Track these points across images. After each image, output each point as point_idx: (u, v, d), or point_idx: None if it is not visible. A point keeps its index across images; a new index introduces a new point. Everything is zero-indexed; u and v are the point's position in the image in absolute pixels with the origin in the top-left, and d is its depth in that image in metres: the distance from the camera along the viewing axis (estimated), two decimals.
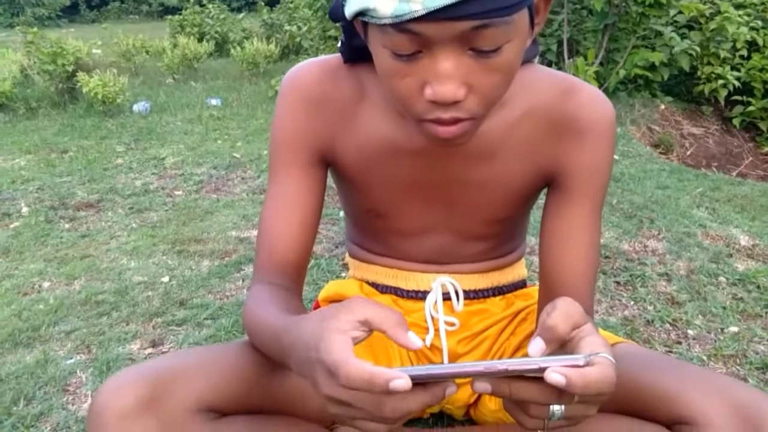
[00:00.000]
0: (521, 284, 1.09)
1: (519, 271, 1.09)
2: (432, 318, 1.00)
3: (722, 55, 3.90)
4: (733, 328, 1.44)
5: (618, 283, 1.67)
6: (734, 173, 3.46)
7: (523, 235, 1.07)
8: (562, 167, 0.86)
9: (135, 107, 4.52)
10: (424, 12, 0.57)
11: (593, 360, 0.53)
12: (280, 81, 4.59)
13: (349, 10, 0.64)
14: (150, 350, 1.44)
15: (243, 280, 1.79)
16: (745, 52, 3.96)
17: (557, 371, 0.51)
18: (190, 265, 1.90)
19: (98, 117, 4.29)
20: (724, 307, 1.54)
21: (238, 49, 6.08)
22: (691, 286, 1.64)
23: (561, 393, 0.53)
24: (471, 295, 1.02)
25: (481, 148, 0.85)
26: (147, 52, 6.87)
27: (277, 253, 0.89)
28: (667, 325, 1.46)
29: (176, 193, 2.73)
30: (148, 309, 1.62)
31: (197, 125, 4.08)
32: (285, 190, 0.88)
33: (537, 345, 0.57)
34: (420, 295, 1.02)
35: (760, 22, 3.94)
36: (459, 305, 1.00)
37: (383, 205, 0.93)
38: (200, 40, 7.04)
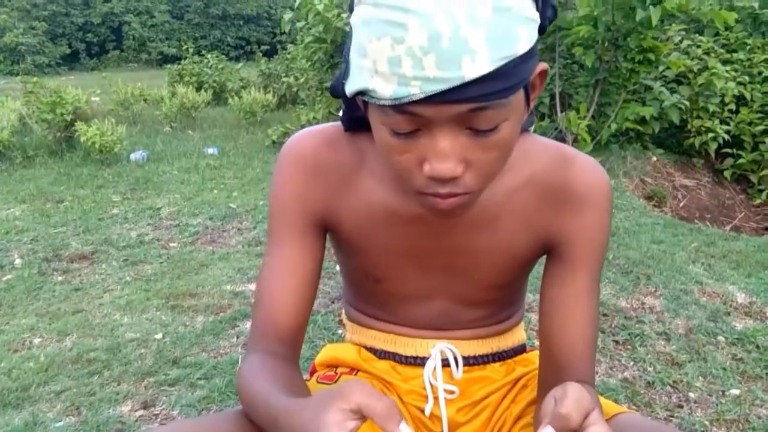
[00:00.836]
0: (521, 349, 1.08)
1: (518, 335, 1.08)
2: (431, 386, 0.99)
3: (711, 109, 3.99)
4: (735, 391, 1.42)
5: (617, 342, 1.65)
6: (728, 227, 3.48)
7: (522, 300, 1.07)
8: (561, 236, 0.87)
9: (132, 156, 4.55)
10: (422, 96, 0.58)
11: None
12: (277, 130, 4.59)
13: (350, 89, 0.67)
14: (141, 412, 1.41)
15: (237, 337, 1.76)
16: (733, 106, 4.04)
17: None
18: (184, 321, 1.87)
19: (95, 166, 4.31)
20: (725, 368, 1.52)
21: (236, 98, 6.17)
22: (690, 345, 1.63)
23: None
24: (471, 362, 1.01)
25: (480, 216, 0.86)
26: (145, 100, 6.96)
27: (274, 321, 0.88)
28: (668, 387, 1.44)
29: (171, 244, 2.72)
30: (140, 368, 1.59)
31: (194, 175, 4.10)
32: (284, 257, 0.88)
33: None
34: (419, 362, 1.01)
35: (747, 77, 4.04)
36: (458, 373, 0.99)
37: (382, 271, 0.93)
38: (198, 89, 7.15)
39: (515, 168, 0.83)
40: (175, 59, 9.95)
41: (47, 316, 1.97)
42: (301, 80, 5.58)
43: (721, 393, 1.42)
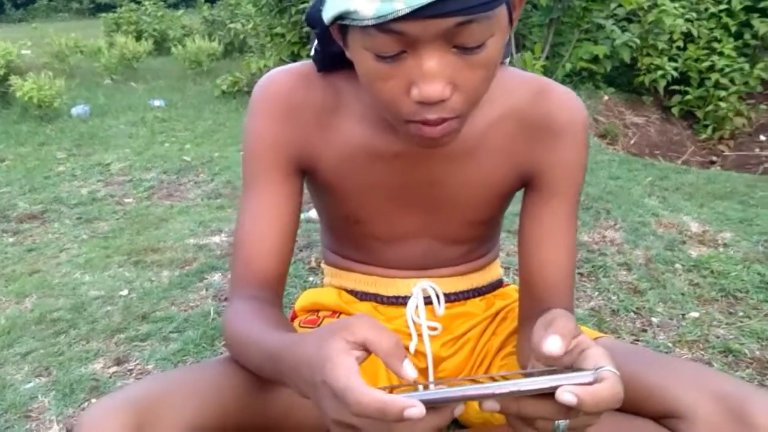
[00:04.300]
0: (498, 284, 1.10)
1: (495, 270, 1.10)
2: (414, 323, 1.00)
3: (660, 47, 4.05)
4: (694, 314, 1.50)
5: (581, 274, 1.71)
6: (679, 161, 3.60)
7: (498, 236, 1.09)
8: (539, 168, 0.88)
9: (74, 111, 4.33)
10: (408, 10, 0.57)
11: (601, 375, 0.53)
12: (227, 80, 4.48)
13: (328, 15, 0.64)
14: (115, 368, 1.38)
15: (206, 290, 1.74)
16: (681, 43, 4.12)
17: (569, 391, 0.51)
18: (149, 277, 1.83)
19: (34, 122, 4.09)
20: (683, 294, 1.59)
21: (179, 47, 5.92)
22: (650, 274, 1.70)
23: (569, 408, 0.54)
24: (452, 298, 1.03)
25: (460, 149, 0.85)
26: (81, 52, 6.59)
27: (256, 266, 0.87)
28: (632, 314, 1.51)
29: (126, 200, 2.63)
30: (108, 325, 1.56)
31: (142, 128, 3.95)
32: (262, 201, 0.86)
33: (555, 342, 0.57)
34: (401, 301, 1.01)
35: (694, 14, 4.10)
36: (441, 309, 1.00)
37: (362, 212, 0.93)
38: (138, 38, 6.81)
39: (493, 100, 0.82)
40: (109, 7, 9.40)
41: (2, 278, 1.89)
42: (249, 26, 5.37)
43: (681, 316, 1.49)
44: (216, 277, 1.81)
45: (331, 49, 0.76)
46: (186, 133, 3.81)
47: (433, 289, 0.98)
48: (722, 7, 4.11)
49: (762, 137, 4.09)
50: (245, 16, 6.10)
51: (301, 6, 4.22)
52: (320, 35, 0.77)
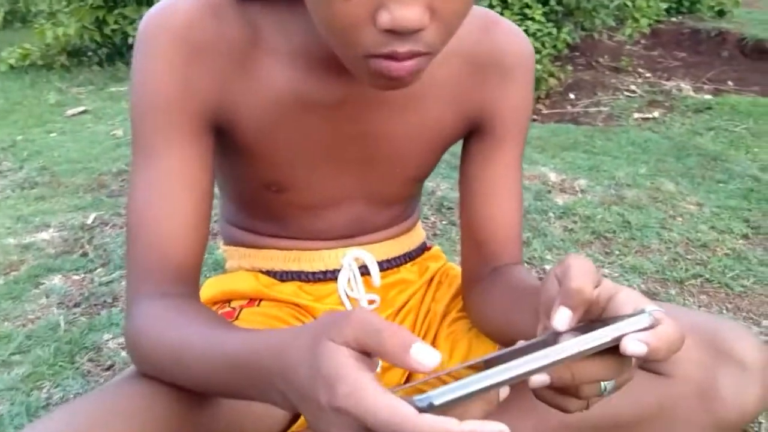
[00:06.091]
0: (424, 246, 1.02)
1: (420, 231, 1.02)
2: (349, 298, 0.88)
3: None
4: None
5: None
6: None
7: (421, 192, 1.00)
8: (488, 110, 0.81)
9: None
10: None
11: (656, 317, 0.46)
12: (15, 53, 3.81)
13: None
14: None
15: (47, 297, 1.42)
16: (499, 9, 4.35)
17: (638, 339, 0.44)
18: None
19: None
20: (563, 240, 1.65)
21: None
22: (530, 224, 1.73)
23: (622, 365, 0.47)
24: (384, 266, 0.92)
25: (405, 93, 0.73)
26: None
27: (166, 253, 0.68)
28: (527, 264, 1.52)
29: None
30: None
31: None
32: (168, 169, 0.68)
33: (563, 315, 0.48)
34: (329, 276, 0.89)
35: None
36: (377, 278, 0.89)
37: (286, 177, 0.78)
38: None
39: None
40: None
41: None
42: None
43: None
44: (56, 280, 1.49)
45: None
46: None
47: (366, 257, 0.86)
48: None
49: (571, 95, 4.50)
50: None
51: None
52: None
